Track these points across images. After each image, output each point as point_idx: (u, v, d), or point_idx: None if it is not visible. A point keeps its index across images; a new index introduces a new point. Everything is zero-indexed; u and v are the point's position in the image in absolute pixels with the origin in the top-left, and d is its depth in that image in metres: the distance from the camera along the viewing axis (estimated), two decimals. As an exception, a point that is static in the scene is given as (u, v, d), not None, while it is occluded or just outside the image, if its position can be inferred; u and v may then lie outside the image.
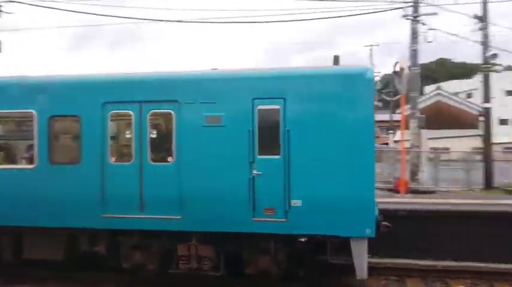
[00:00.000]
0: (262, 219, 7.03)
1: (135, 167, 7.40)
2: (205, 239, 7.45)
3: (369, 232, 6.88)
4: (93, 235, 7.91)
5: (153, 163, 7.42)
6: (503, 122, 43.71)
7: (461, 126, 32.85)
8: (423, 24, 17.07)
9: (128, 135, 7.68)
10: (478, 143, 22.97)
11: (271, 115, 7.12)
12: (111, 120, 7.63)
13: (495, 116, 17.10)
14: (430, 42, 17.21)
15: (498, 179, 15.96)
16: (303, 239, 7.32)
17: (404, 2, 17.08)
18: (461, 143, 26.03)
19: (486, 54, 16.48)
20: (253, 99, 7.12)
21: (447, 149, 25.04)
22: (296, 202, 6.95)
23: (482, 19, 16.66)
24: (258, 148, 7.08)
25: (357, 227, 6.89)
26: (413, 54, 17.20)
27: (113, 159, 7.62)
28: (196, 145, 7.23)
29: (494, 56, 16.06)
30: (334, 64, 10.49)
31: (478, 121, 32.40)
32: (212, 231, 7.28)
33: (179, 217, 7.23)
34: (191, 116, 7.26)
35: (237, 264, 7.59)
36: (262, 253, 7.41)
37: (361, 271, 7.03)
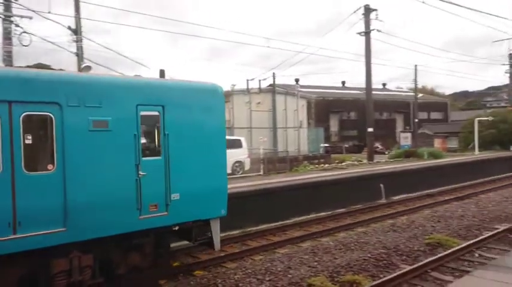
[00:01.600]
0: (148, 216, 7.46)
1: (5, 179, 6.14)
2: (86, 248, 7.01)
3: (223, 212, 8.58)
4: None
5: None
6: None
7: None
8: (17, 25, 16.31)
9: None
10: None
11: (153, 120, 7.75)
12: None
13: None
14: (26, 45, 16.64)
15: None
16: (176, 228, 8.06)
17: (-5, -1, 15.72)
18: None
19: (81, 65, 17.66)
20: (137, 105, 7.39)
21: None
22: (175, 196, 7.77)
23: (76, 32, 17.76)
24: (142, 151, 7.48)
25: (216, 210, 8.49)
26: (8, 55, 16.14)
27: None
28: (81, 150, 6.77)
29: (88, 67, 17.47)
30: (161, 76, 10.29)
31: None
32: (101, 237, 6.99)
33: (64, 229, 6.54)
34: (76, 120, 6.73)
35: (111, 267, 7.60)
36: (133, 250, 7.72)
37: (217, 243, 8.68)
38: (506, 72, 40.81)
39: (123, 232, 7.22)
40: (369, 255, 10.01)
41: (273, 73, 32.84)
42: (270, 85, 34.24)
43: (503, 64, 40.66)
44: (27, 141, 6.38)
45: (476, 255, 10.12)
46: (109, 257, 7.48)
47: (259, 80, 32.58)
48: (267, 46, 25.43)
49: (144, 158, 7.44)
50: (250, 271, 9.09)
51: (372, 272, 8.99)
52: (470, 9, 50.31)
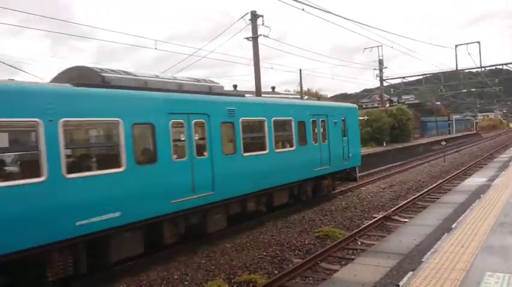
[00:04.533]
0: (345, 162, 17.43)
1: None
2: (322, 179, 16.47)
3: (360, 163, 19.17)
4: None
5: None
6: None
7: None
8: None
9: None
10: None
11: (340, 123, 17.46)
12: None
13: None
14: None
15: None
16: (348, 169, 18.32)
17: None
18: None
19: None
20: (342, 115, 17.70)
21: None
22: (350, 155, 17.54)
23: None
24: (343, 134, 17.36)
25: (358, 162, 18.85)
26: None
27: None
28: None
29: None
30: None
31: None
32: (334, 171, 16.92)
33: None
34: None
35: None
36: (333, 179, 17.48)
37: (358, 179, 20.08)
38: (377, 76, 45.43)
39: (341, 169, 17.26)
40: (264, 253, 10.29)
41: (164, 77, 32.14)
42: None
43: (375, 69, 45.22)
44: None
45: (359, 243, 11.06)
46: (325, 183, 16.52)
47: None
48: (154, 48, 24.73)
49: (343, 138, 17.06)
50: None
51: (268, 269, 9.25)
52: (347, 19, 55.11)
